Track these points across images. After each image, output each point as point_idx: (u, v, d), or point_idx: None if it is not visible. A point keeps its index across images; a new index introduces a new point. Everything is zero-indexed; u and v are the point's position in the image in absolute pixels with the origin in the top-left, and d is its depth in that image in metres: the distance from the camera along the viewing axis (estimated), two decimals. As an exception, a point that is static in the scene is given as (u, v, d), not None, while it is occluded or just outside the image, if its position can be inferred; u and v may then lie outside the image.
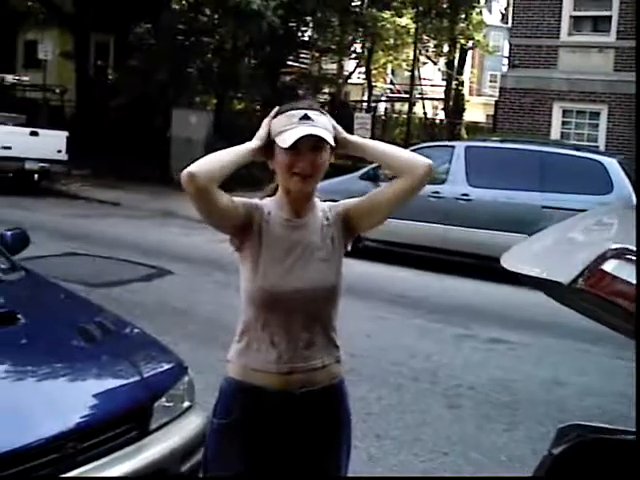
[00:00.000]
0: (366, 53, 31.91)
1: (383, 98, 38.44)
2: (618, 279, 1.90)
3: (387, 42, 31.61)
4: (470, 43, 34.03)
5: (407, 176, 2.74)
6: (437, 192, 11.94)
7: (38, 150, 17.66)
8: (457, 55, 34.31)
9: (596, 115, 18.89)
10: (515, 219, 11.31)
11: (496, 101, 22.66)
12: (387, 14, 28.77)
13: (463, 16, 31.28)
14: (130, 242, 12.53)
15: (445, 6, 30.38)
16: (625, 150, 16.69)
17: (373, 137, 19.77)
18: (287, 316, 2.72)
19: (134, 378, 3.86)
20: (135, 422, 3.68)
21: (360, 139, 2.89)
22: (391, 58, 35.17)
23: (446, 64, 35.28)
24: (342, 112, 25.21)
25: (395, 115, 33.72)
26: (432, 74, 42.44)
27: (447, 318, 9.09)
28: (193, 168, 2.53)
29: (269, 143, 2.71)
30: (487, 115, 36.83)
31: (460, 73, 35.02)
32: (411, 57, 28.42)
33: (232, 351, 2.82)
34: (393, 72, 41.47)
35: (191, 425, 3.93)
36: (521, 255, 2.58)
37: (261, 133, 2.72)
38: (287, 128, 2.64)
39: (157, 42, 22.18)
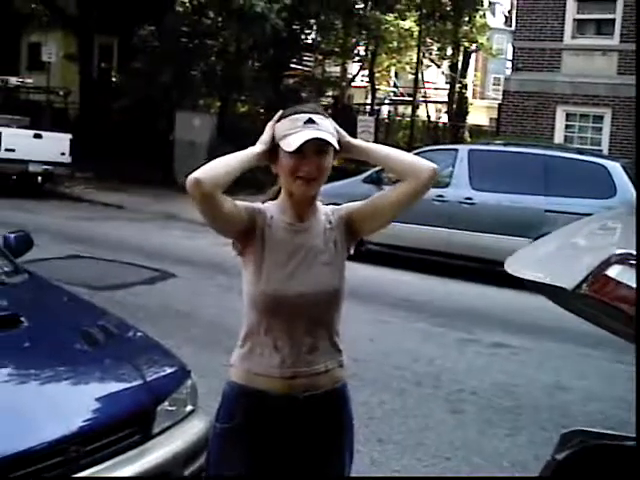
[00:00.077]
0: (369, 56, 31.89)
1: (386, 101, 38.41)
2: (622, 284, 1.90)
3: (390, 45, 31.58)
4: (474, 46, 34.01)
5: (411, 180, 2.74)
6: (441, 196, 11.92)
7: (42, 152, 17.69)
8: (460, 58, 34.29)
9: (599, 118, 18.89)
10: (518, 223, 11.32)
11: (499, 104, 22.65)
12: (390, 17, 28.75)
13: (467, 19, 31.25)
14: (133, 245, 12.54)
15: (449, 9, 30.36)
16: (629, 153, 16.70)
17: (376, 140, 19.80)
18: (290, 320, 2.72)
19: (137, 382, 3.86)
20: (138, 426, 3.68)
21: (363, 143, 2.89)
22: (394, 61, 35.13)
23: (449, 67, 35.24)
24: (345, 115, 25.22)
25: (398, 118, 33.66)
26: (435, 77, 42.41)
27: (450, 322, 9.08)
28: (199, 174, 2.52)
29: (273, 147, 2.71)
30: (490, 118, 36.82)
31: (463, 76, 35.01)
32: (414, 60, 28.42)
33: (235, 355, 2.82)
34: (396, 75, 41.45)
35: (194, 429, 3.93)
36: (525, 260, 2.57)
37: (265, 137, 2.72)
38: (292, 132, 2.64)
39: (161, 44, 22.19)
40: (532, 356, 8.03)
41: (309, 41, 27.35)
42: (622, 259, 1.93)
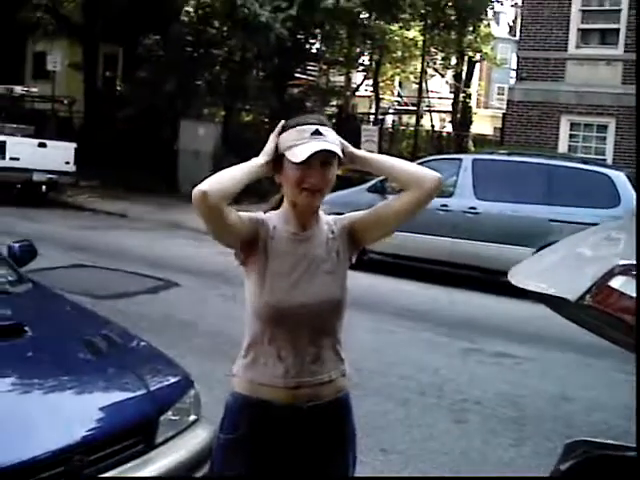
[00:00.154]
0: (374, 65, 31.93)
1: (391, 111, 38.44)
2: (625, 295, 1.89)
3: (395, 54, 31.69)
4: (478, 56, 34.10)
5: (415, 189, 2.74)
6: (445, 205, 11.92)
7: (46, 161, 17.70)
8: (465, 67, 34.37)
9: (604, 128, 18.88)
10: (522, 232, 11.32)
11: (504, 114, 22.67)
12: (395, 27, 28.83)
13: (471, 29, 31.30)
14: (137, 254, 12.54)
15: (453, 18, 30.41)
16: (633, 163, 16.68)
17: (380, 150, 19.81)
18: (294, 330, 2.72)
19: (140, 391, 3.86)
20: (141, 435, 3.68)
21: (367, 153, 2.90)
22: (399, 70, 35.23)
23: (454, 77, 35.32)
24: (349, 124, 25.24)
25: (402, 128, 33.75)
26: (440, 87, 42.46)
27: (454, 332, 9.06)
28: (205, 187, 2.52)
29: (277, 157, 2.71)
30: (495, 128, 36.82)
31: (468, 86, 35.07)
32: (419, 69, 28.46)
33: (238, 366, 2.82)
34: (401, 84, 41.51)
35: (197, 439, 3.92)
36: (528, 271, 2.57)
37: (268, 148, 2.72)
38: (299, 143, 2.64)
39: (166, 54, 22.26)
40: (536, 366, 8.01)
41: (314, 51, 27.42)
42: (625, 270, 1.92)
